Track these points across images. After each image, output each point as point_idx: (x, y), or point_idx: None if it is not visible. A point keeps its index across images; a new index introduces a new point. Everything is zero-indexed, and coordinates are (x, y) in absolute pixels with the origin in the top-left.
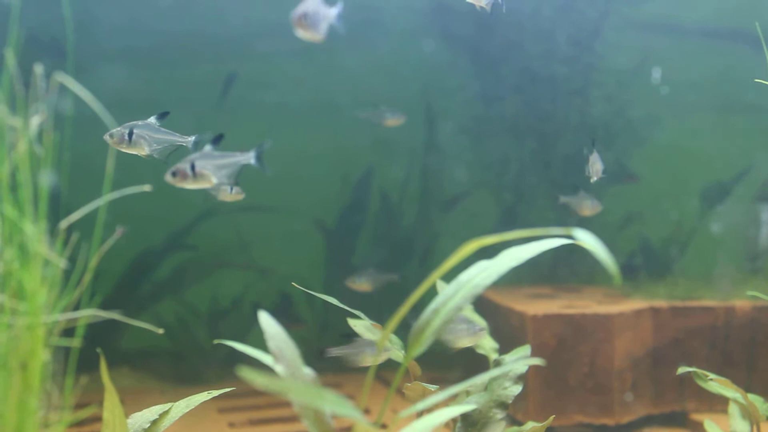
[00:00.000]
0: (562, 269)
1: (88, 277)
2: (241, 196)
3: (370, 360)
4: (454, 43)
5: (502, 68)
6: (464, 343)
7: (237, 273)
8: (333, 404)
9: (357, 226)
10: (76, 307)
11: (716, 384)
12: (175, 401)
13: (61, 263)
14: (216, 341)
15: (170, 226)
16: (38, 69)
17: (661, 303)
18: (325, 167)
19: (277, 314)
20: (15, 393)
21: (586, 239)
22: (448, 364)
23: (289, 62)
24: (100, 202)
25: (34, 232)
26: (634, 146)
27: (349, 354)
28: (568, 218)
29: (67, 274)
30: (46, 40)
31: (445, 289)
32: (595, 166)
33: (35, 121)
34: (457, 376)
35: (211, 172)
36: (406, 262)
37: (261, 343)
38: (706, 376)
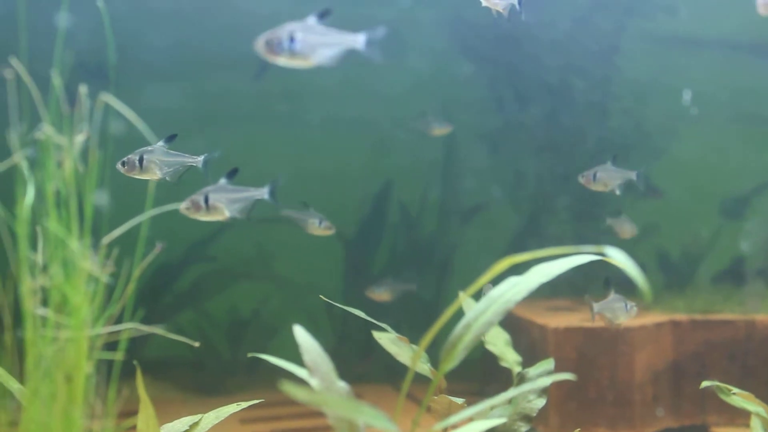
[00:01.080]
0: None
1: (129, 291)
2: (331, 231)
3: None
4: (473, 57)
5: (520, 81)
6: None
7: (257, 284)
8: (370, 417)
9: (376, 237)
10: (118, 320)
11: (739, 398)
12: (196, 411)
13: (105, 278)
14: (250, 354)
15: (191, 238)
16: (83, 89)
17: (681, 316)
18: (345, 179)
19: None
20: (60, 404)
21: (617, 256)
22: (467, 376)
23: (310, 77)
24: (142, 217)
25: (79, 248)
26: (652, 159)
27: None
28: (588, 232)
29: (108, 287)
30: (92, 63)
31: (476, 305)
32: (612, 182)
33: (79, 140)
34: (476, 387)
35: (225, 206)
36: (424, 274)
37: (281, 354)
38: (729, 390)
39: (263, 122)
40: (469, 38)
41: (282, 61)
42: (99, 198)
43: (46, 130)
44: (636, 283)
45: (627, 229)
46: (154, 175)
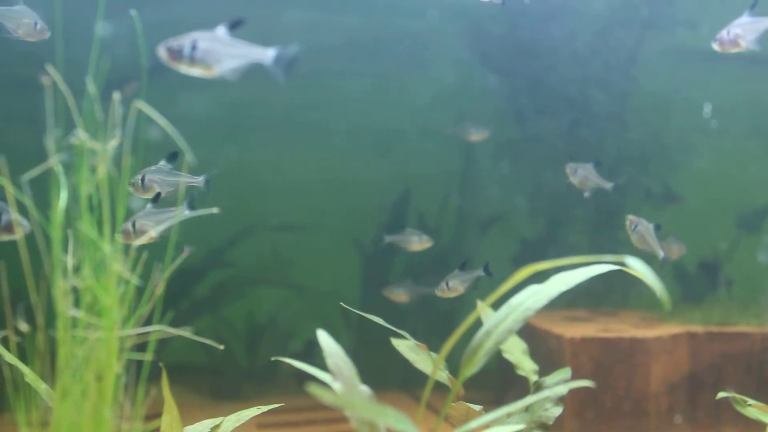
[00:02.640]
0: (600, 291)
1: (159, 294)
2: (430, 243)
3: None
4: (491, 67)
5: (538, 92)
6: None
7: (274, 290)
8: (394, 420)
9: (393, 245)
10: (146, 322)
11: (755, 409)
12: (213, 416)
13: (135, 281)
14: (274, 358)
15: (210, 244)
16: (116, 96)
17: (697, 328)
18: (363, 188)
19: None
20: (91, 403)
21: (637, 267)
22: (483, 385)
23: (326, 86)
24: (173, 221)
25: (111, 251)
26: (669, 171)
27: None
28: (604, 242)
29: (138, 290)
30: (128, 70)
31: (497, 312)
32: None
33: (112, 145)
34: (491, 396)
35: (152, 227)
36: (440, 282)
37: (299, 358)
38: (745, 401)
39: (291, 131)
40: (490, 50)
41: (183, 68)
42: (132, 202)
43: (81, 136)
44: (655, 293)
45: (675, 249)
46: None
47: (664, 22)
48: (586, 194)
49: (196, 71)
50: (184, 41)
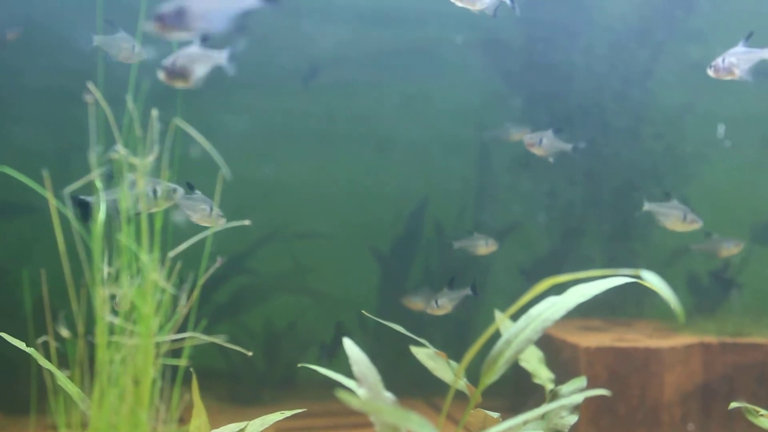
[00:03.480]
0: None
1: (193, 302)
2: (495, 248)
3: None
4: (506, 79)
5: (554, 104)
6: None
7: (293, 297)
8: (418, 426)
9: (411, 254)
10: (181, 329)
11: (767, 420)
12: (234, 420)
13: (172, 290)
14: (300, 365)
15: (229, 251)
16: (154, 113)
17: (711, 339)
18: (381, 197)
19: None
20: (127, 407)
21: (652, 280)
22: (498, 392)
23: (340, 95)
24: (207, 233)
25: (149, 261)
26: (683, 183)
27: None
28: (618, 252)
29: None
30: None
31: (516, 323)
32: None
33: (150, 160)
34: (507, 404)
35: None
36: (458, 290)
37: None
38: (758, 411)
39: (310, 141)
40: (503, 61)
41: (167, 80)
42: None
43: (120, 151)
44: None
45: (725, 248)
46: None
47: (679, 36)
48: (551, 159)
49: (179, 83)
50: (170, 57)
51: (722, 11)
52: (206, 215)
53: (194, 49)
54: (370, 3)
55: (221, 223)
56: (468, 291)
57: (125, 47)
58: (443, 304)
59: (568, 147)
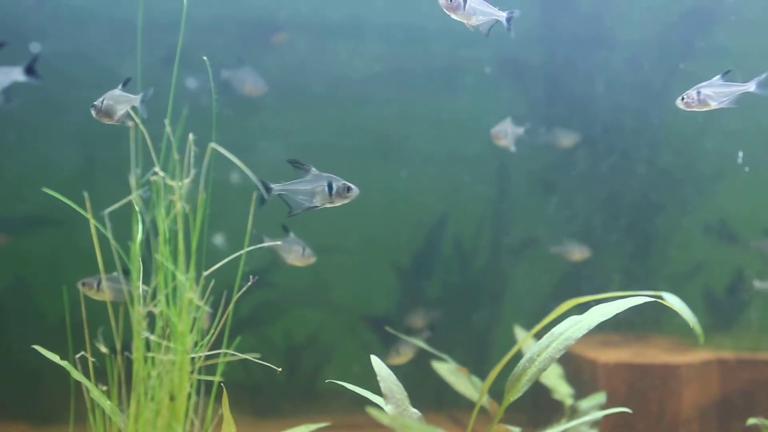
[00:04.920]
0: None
1: (228, 320)
2: (587, 254)
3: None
4: (526, 95)
5: (572, 120)
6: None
7: (313, 311)
8: None
9: (429, 269)
10: (215, 345)
11: None
12: None
13: (207, 308)
14: (328, 381)
15: (251, 264)
16: (191, 137)
17: (727, 354)
18: (402, 213)
19: None
20: (163, 421)
21: (672, 301)
22: (515, 406)
23: (360, 108)
24: (241, 252)
25: (185, 280)
26: (701, 198)
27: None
28: (636, 269)
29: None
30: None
31: (539, 341)
32: None
33: (185, 183)
34: (524, 417)
35: None
36: (476, 306)
37: (336, 377)
38: None
39: (349, 157)
40: (522, 77)
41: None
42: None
43: (159, 174)
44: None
45: None
46: None
47: (695, 51)
48: (513, 149)
49: (105, 120)
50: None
51: (740, 33)
52: (299, 255)
53: (117, 92)
54: (397, 22)
55: (311, 262)
56: (427, 333)
57: (249, 79)
58: (404, 351)
59: (521, 130)
